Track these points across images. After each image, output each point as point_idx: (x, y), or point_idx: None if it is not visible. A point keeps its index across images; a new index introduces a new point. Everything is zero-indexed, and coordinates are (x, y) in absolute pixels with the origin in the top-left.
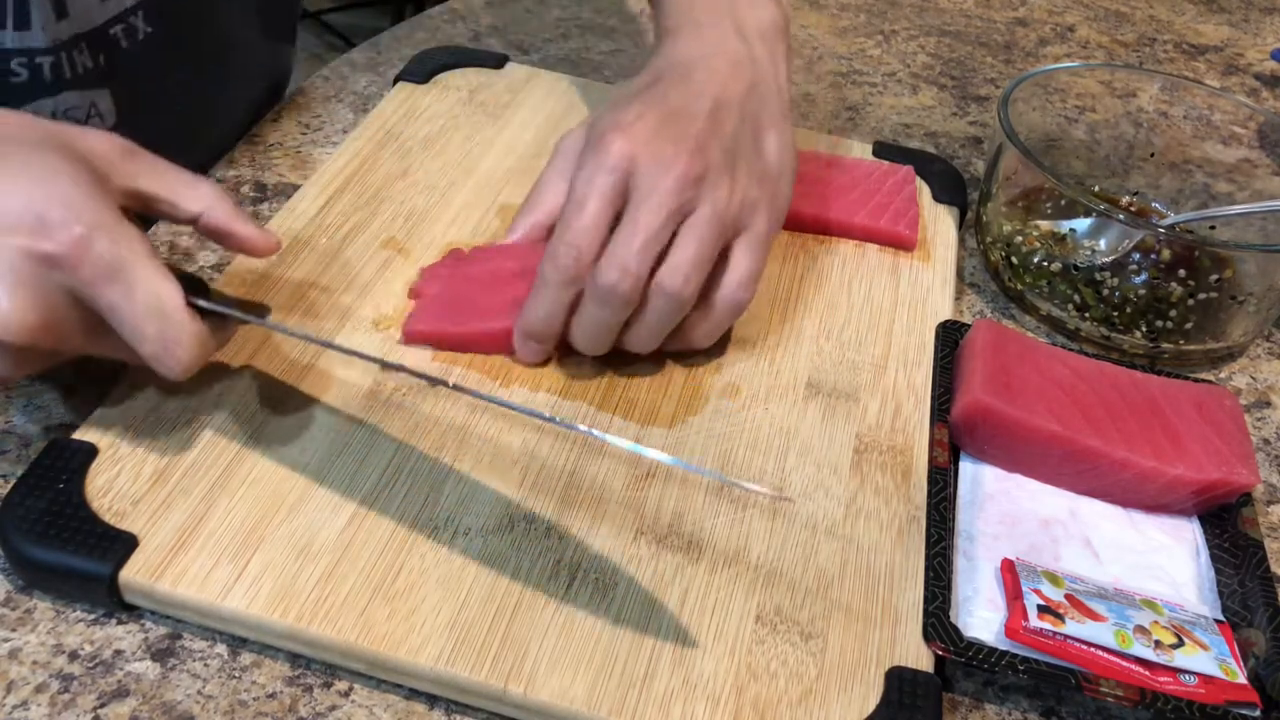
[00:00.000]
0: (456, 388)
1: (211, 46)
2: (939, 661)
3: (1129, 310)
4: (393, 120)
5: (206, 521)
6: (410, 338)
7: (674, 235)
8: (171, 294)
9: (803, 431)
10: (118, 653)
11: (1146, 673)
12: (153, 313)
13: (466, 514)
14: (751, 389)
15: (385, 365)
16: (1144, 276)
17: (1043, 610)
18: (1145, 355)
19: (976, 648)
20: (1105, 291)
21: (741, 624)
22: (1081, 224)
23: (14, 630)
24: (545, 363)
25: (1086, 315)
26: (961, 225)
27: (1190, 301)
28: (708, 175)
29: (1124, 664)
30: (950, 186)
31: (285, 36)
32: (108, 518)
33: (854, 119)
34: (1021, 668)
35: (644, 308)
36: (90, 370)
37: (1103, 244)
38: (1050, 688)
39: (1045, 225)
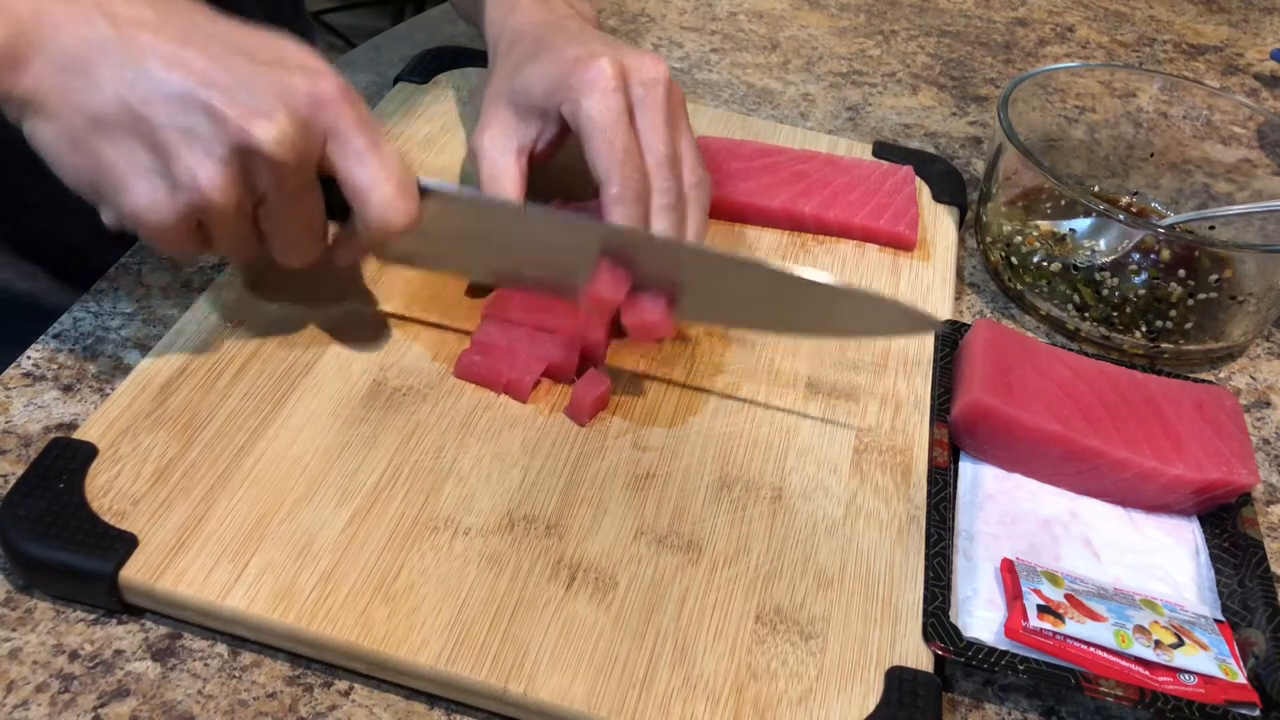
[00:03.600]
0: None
1: None
2: (939, 661)
3: (1129, 310)
4: (393, 120)
5: (206, 521)
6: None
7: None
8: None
9: (803, 431)
10: (118, 653)
11: (1146, 673)
12: (396, 161)
13: (466, 514)
14: (751, 389)
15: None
16: (1144, 276)
17: (1042, 610)
18: (1145, 355)
19: (976, 648)
20: (1105, 291)
21: (741, 624)
22: (1081, 224)
23: (14, 630)
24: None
25: (1086, 315)
26: (961, 225)
27: (1190, 301)
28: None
29: (1124, 664)
30: (950, 186)
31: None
32: (108, 518)
33: (854, 119)
34: (1021, 668)
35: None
36: (90, 370)
37: (1103, 244)
38: (1050, 688)
39: (1045, 225)
